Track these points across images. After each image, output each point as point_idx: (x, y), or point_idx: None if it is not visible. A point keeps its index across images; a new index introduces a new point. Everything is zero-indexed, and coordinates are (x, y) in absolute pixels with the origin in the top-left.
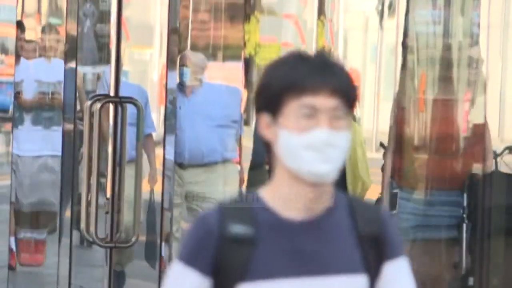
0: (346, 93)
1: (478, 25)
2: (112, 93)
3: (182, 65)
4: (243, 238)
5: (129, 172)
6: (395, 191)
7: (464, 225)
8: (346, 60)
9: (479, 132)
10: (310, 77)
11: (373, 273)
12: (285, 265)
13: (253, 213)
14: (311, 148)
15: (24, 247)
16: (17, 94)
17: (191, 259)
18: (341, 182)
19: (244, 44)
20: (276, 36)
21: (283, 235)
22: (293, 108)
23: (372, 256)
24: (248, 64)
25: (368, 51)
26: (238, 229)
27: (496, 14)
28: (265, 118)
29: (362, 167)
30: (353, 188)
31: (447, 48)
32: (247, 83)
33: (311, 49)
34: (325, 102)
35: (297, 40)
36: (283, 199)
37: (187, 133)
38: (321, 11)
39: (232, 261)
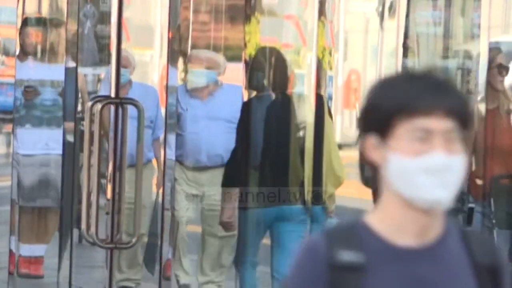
0: (461, 113)
1: (479, 26)
2: (112, 94)
3: (205, 66)
4: (353, 266)
5: (132, 172)
6: (471, 205)
7: (495, 232)
8: (346, 62)
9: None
10: (423, 97)
11: None
12: None
13: (362, 240)
14: (427, 173)
15: (24, 259)
16: (18, 95)
17: None
18: (318, 178)
19: (245, 45)
20: (276, 37)
21: (395, 263)
22: (405, 131)
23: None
24: (248, 65)
25: (369, 53)
26: (348, 256)
27: (497, 15)
28: (372, 139)
29: (337, 162)
30: (329, 182)
31: (447, 49)
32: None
33: (311, 50)
34: (439, 124)
35: (298, 41)
36: (393, 225)
37: (205, 135)
38: (321, 12)
39: None
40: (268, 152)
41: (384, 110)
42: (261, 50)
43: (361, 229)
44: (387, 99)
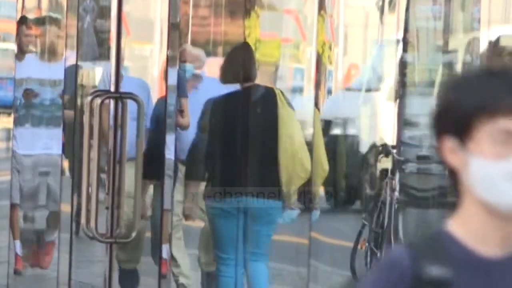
0: None
1: (479, 21)
2: (112, 89)
3: (184, 60)
4: (441, 281)
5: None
6: None
7: None
8: (346, 56)
9: None
10: (505, 97)
11: None
12: None
13: (447, 251)
14: (511, 177)
15: (27, 253)
16: (18, 90)
17: None
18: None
19: (245, 39)
20: (276, 31)
21: (481, 276)
22: (485, 133)
23: None
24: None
25: (369, 47)
26: (436, 271)
27: (497, 10)
28: (450, 142)
29: (323, 153)
30: (316, 173)
31: (447, 43)
32: None
33: (311, 44)
34: None
35: (298, 36)
36: (476, 233)
37: (192, 130)
38: (321, 7)
39: None
40: (247, 149)
41: (463, 111)
42: (236, 45)
43: (445, 239)
44: (465, 99)
